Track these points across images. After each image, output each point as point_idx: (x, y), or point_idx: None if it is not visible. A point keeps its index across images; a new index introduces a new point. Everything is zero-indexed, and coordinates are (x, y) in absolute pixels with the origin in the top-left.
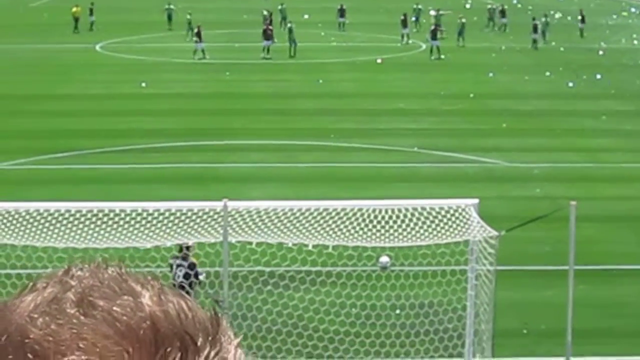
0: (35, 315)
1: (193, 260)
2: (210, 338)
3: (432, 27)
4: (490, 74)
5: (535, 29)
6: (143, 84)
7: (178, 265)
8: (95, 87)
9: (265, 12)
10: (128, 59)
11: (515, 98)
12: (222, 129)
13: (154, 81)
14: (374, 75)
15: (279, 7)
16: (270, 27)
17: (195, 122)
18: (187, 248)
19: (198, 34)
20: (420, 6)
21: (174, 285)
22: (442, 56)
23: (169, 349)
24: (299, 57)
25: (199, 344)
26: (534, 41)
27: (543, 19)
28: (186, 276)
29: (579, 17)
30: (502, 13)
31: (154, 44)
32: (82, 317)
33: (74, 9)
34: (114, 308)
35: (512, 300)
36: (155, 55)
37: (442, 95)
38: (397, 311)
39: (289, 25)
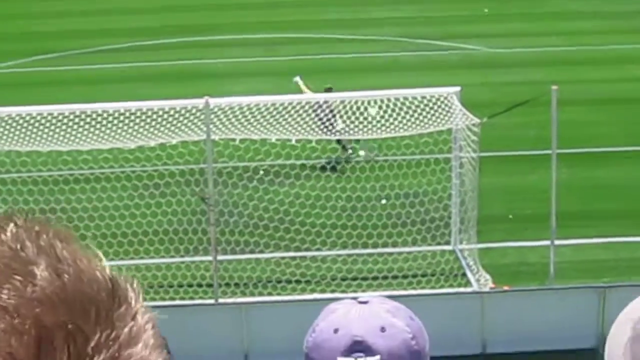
0: None
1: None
2: (103, 315)
3: None
4: None
5: None
6: None
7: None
8: None
9: None
10: None
11: None
12: (202, 25)
13: None
14: None
15: None
16: None
17: (173, 19)
18: (329, 90)
19: None
20: None
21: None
22: None
23: (54, 344)
24: None
25: (87, 329)
26: None
27: None
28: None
29: None
30: None
31: None
32: None
33: None
34: (0, 295)
35: (496, 186)
36: None
37: None
38: (383, 201)
39: None
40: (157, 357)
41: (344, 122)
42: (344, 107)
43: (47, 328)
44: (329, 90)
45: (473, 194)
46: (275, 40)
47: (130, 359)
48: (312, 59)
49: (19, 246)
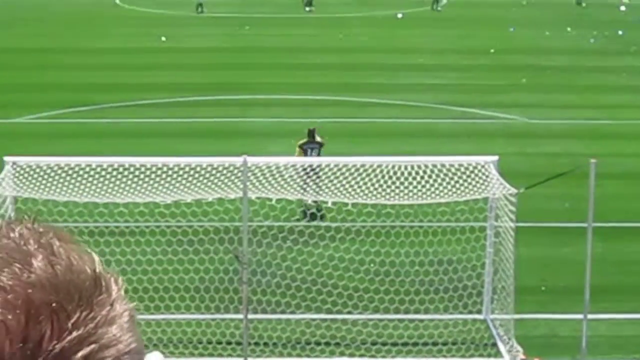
0: None
1: (320, 139)
2: (85, 299)
3: None
4: (512, 29)
5: None
6: (163, 38)
7: (312, 149)
8: (115, 41)
9: None
10: (148, 13)
11: (536, 53)
12: (242, 84)
13: (174, 35)
14: (393, 30)
15: None
16: None
17: (215, 77)
18: (313, 131)
19: None
20: None
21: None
22: (439, 8)
23: (40, 318)
24: (318, 11)
25: (69, 309)
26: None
27: None
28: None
29: None
30: None
31: None
32: None
33: None
34: (1, 277)
35: (531, 257)
36: (175, 9)
37: (462, 51)
38: (417, 268)
39: None
40: (129, 339)
41: (315, 182)
42: (381, 171)
43: (35, 305)
44: (312, 131)
45: (508, 263)
46: (311, 102)
47: (105, 336)
48: (351, 122)
49: (22, 242)
